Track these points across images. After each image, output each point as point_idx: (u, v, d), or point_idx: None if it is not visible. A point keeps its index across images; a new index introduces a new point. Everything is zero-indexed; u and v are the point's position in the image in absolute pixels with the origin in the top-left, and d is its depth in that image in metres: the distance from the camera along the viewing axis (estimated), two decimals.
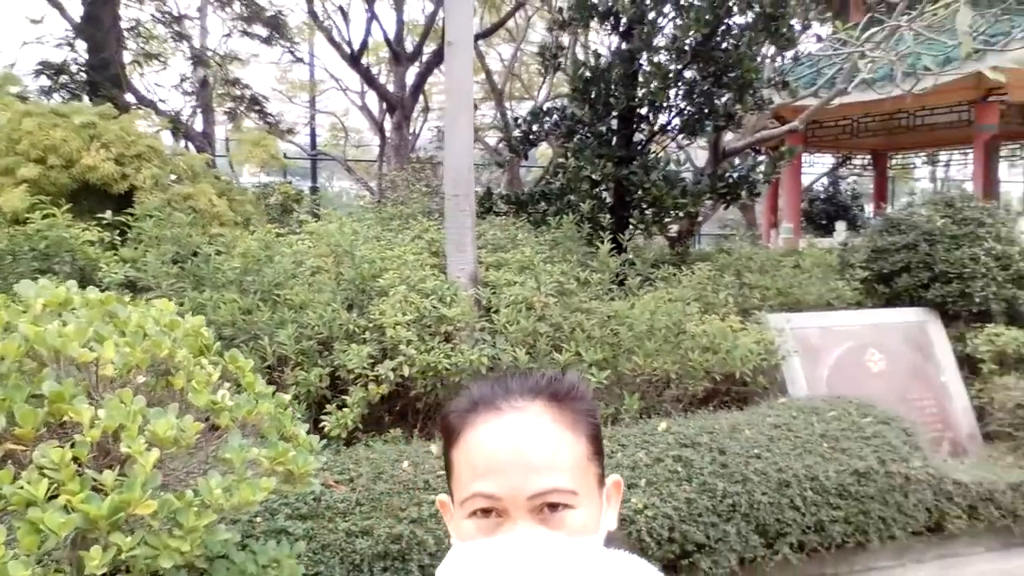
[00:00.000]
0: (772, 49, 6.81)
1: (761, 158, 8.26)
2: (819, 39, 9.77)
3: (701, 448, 3.91)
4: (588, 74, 6.59)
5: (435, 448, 3.79)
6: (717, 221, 17.52)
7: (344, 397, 3.99)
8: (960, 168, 23.83)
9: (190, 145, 11.52)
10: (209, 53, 12.44)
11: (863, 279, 6.19)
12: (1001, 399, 5.12)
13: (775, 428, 4.19)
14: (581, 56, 8.25)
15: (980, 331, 5.76)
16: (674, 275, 5.65)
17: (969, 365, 5.75)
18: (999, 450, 4.94)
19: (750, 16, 6.18)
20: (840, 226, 13.72)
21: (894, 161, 18.90)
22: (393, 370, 3.98)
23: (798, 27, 6.63)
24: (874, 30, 6.33)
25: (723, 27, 6.12)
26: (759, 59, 6.46)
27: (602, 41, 7.07)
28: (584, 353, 4.32)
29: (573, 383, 0.90)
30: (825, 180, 20.54)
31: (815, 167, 20.68)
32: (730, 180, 6.51)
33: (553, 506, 0.81)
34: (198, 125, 12.47)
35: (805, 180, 17.41)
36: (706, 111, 6.44)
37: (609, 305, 4.89)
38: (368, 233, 5.63)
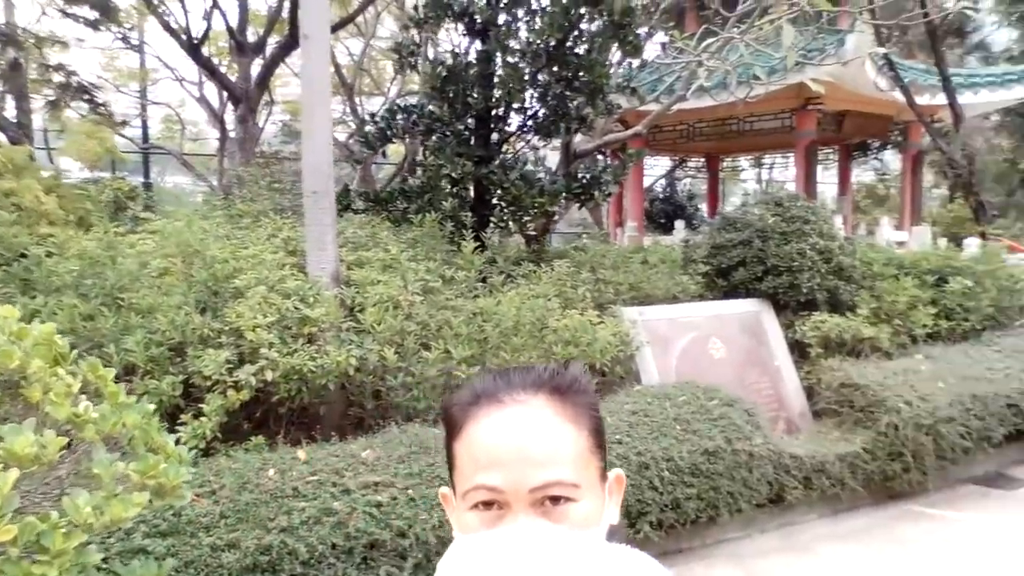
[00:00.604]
0: (619, 55, 7.12)
1: (609, 160, 8.64)
2: (663, 47, 10.34)
3: None
4: (445, 73, 6.61)
5: (302, 454, 3.68)
6: (566, 221, 18.14)
7: (200, 406, 3.77)
8: (782, 170, 26.11)
9: (1, 136, 10.40)
10: (20, 32, 11.27)
11: (704, 273, 6.64)
12: (827, 379, 5.67)
13: (633, 414, 4.42)
14: (434, 54, 8.25)
15: (807, 319, 6.34)
16: (534, 272, 5.79)
17: (799, 349, 6.32)
18: (827, 425, 5.47)
19: (600, 23, 6.44)
20: (679, 224, 14.59)
21: (725, 164, 20.39)
22: (254, 375, 3.81)
23: (644, 36, 6.98)
24: (710, 41, 6.80)
25: (575, 33, 6.35)
26: (609, 65, 6.76)
27: (455, 41, 7.08)
28: (453, 350, 4.34)
29: (575, 377, 0.90)
30: (663, 181, 21.76)
31: (655, 169, 21.91)
32: (584, 180, 6.77)
33: (555, 499, 0.82)
34: (9, 113, 11.27)
35: (646, 181, 18.36)
36: (560, 114, 6.65)
37: (475, 302, 4.94)
38: (218, 232, 5.34)
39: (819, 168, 16.79)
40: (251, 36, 12.54)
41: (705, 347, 5.98)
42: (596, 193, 6.79)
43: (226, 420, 3.84)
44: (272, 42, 12.70)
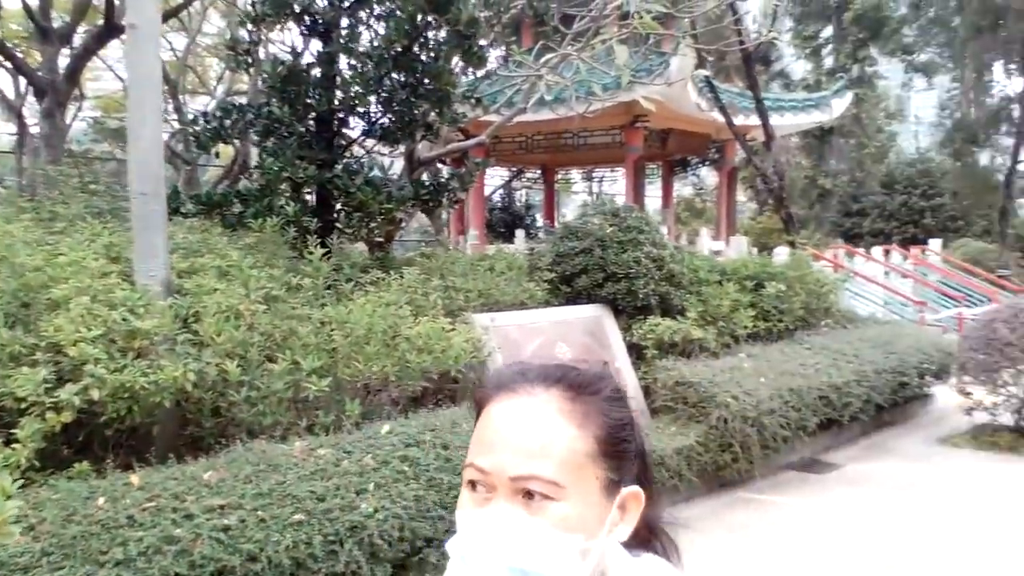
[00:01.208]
0: (463, 65, 7.18)
1: (452, 169, 8.68)
2: (504, 60, 10.54)
3: (425, 446, 4.00)
4: (286, 72, 6.35)
5: (135, 479, 3.36)
6: (403, 229, 17.95)
7: (11, 432, 3.34)
8: (611, 184, 27.48)
9: None
10: None
11: (549, 280, 6.83)
12: (663, 378, 6.01)
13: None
14: (267, 54, 7.91)
15: (643, 322, 6.69)
16: (383, 280, 5.68)
17: (636, 351, 6.66)
18: (663, 421, 5.79)
19: (445, 32, 6.46)
20: (520, 233, 14.94)
21: (560, 176, 21.14)
22: (78, 394, 3.44)
23: (487, 47, 7.08)
24: (549, 56, 7.03)
25: (422, 39, 6.32)
26: (455, 74, 6.79)
27: (293, 40, 6.83)
28: (302, 361, 4.15)
29: (592, 378, 0.89)
30: (501, 192, 22.19)
31: (493, 179, 22.29)
32: (432, 187, 6.74)
33: (531, 494, 0.81)
34: None
35: (485, 191, 18.64)
36: (406, 120, 6.59)
37: (323, 311, 4.76)
38: (27, 236, 4.78)
39: (645, 182, 17.79)
40: (56, 22, 11.37)
41: (552, 351, 6.13)
42: (444, 200, 6.78)
43: (43, 446, 3.43)
44: (82, 31, 11.61)
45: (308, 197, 6.72)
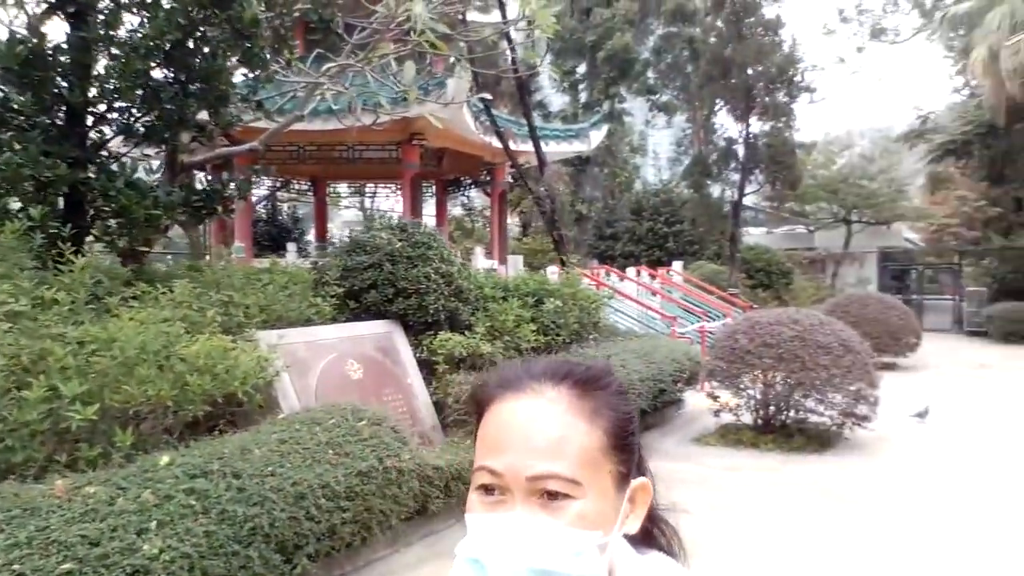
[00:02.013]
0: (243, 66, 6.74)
1: (213, 175, 8.10)
2: (286, 64, 10.09)
3: (214, 476, 3.64)
4: (28, 55, 5.51)
5: None
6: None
7: None
8: (383, 200, 27.29)
9: None
10: None
11: (336, 295, 6.59)
12: (457, 392, 6.05)
13: (283, 443, 4.16)
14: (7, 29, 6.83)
15: (433, 338, 6.70)
16: (148, 293, 5.11)
17: (427, 367, 6.64)
18: (459, 435, 5.82)
19: (225, 30, 6.02)
20: (291, 247, 14.31)
21: (331, 189, 20.55)
22: None
23: (266, 48, 6.71)
24: (330, 65, 6.84)
25: (199, 35, 5.83)
26: (232, 74, 6.34)
27: (33, 16, 5.97)
28: (62, 387, 3.59)
29: (599, 374, 0.89)
30: (265, 203, 21.12)
31: (259, 189, 21.14)
32: (206, 193, 6.21)
33: (552, 494, 0.80)
34: None
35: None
36: (175, 120, 6.02)
37: (82, 329, 4.17)
38: None
39: (422, 199, 17.90)
40: None
41: (343, 368, 5.92)
42: (219, 208, 6.28)
43: None
44: None
45: (56, 199, 5.86)
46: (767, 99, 18.29)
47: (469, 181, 18.89)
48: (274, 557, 3.64)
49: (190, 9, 5.68)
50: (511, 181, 16.92)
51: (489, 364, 6.76)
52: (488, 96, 8.65)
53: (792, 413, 7.69)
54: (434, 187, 18.46)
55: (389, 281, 6.64)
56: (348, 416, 4.70)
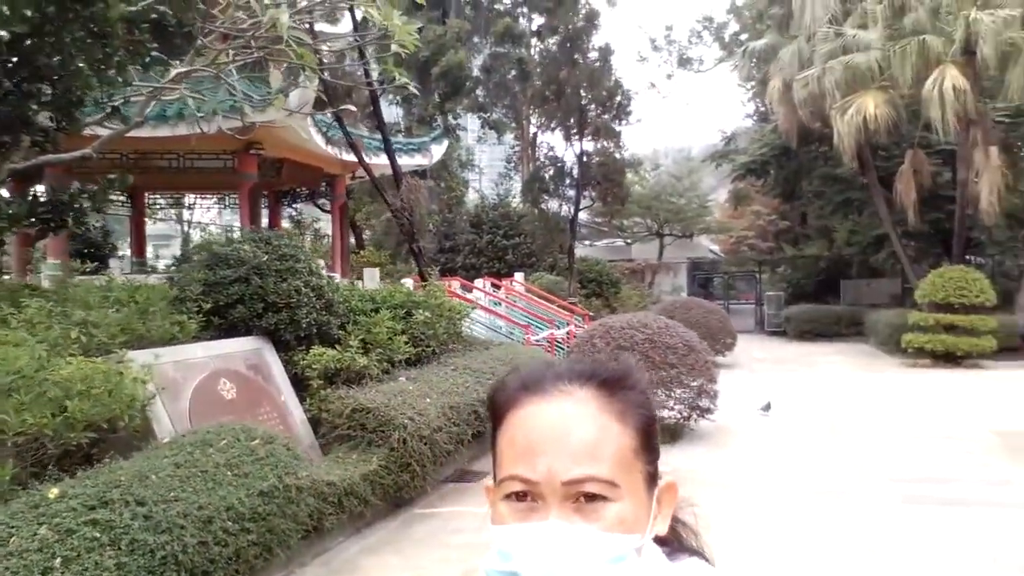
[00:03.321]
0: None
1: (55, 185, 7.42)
2: (145, 69, 9.41)
3: (116, 505, 3.41)
4: None
5: None
6: None
7: None
8: (205, 212, 25.74)
9: None
10: None
11: (199, 311, 6.27)
12: (338, 407, 5.97)
13: (178, 467, 3.97)
14: None
15: (305, 353, 6.55)
16: None
17: (299, 384, 6.48)
18: (343, 450, 5.74)
19: (80, 28, 5.56)
20: (114, 263, 13.19)
21: (149, 200, 19.11)
22: None
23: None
24: (180, 71, 6.52)
25: (50, 31, 5.34)
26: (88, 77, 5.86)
27: None
28: None
29: (626, 372, 0.85)
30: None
31: None
32: (55, 203, 5.68)
33: (590, 497, 0.77)
34: None
35: None
36: (19, 123, 5.48)
37: None
38: None
39: (262, 212, 17.19)
40: None
41: (216, 388, 5.66)
42: (70, 219, 5.77)
43: None
44: None
45: None
46: (599, 120, 19.46)
47: (306, 193, 18.40)
48: None
49: (42, 2, 5.22)
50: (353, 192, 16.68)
51: (362, 377, 6.72)
52: (352, 108, 8.58)
53: None
54: (267, 198, 17.78)
55: (258, 295, 6.42)
56: (240, 436, 4.54)
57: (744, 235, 31.26)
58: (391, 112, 28.03)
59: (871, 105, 15.35)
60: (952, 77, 13.84)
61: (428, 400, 6.38)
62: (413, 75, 26.18)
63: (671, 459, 7.30)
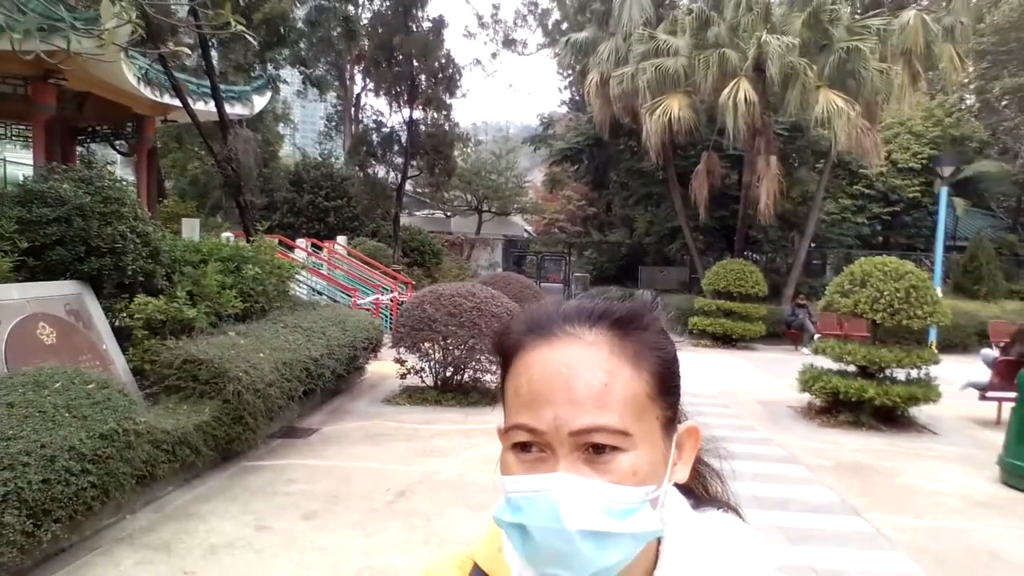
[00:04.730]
0: None
1: None
2: None
3: None
4: None
5: None
6: None
7: None
8: None
9: None
10: None
11: (18, 249, 5.83)
12: (168, 358, 5.83)
13: (13, 407, 3.82)
14: None
15: (129, 302, 6.30)
16: None
17: (119, 333, 6.22)
18: (174, 401, 5.63)
19: None
20: None
21: None
22: None
23: None
24: None
25: None
26: None
27: None
28: None
29: (640, 311, 0.79)
30: None
31: None
32: None
33: (600, 447, 0.72)
34: None
35: None
36: None
37: None
38: None
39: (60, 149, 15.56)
40: None
41: (35, 332, 5.35)
42: None
43: None
44: None
45: None
46: (431, 92, 19.60)
47: (108, 131, 16.93)
48: (27, 524, 3.41)
49: None
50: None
51: (190, 330, 6.58)
52: (186, 50, 8.14)
53: (469, 374, 8.80)
54: (59, 133, 16.11)
55: (80, 238, 6.07)
56: (74, 379, 4.40)
57: (556, 217, 32.98)
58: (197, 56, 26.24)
59: (676, 107, 16.88)
60: (745, 89, 15.59)
61: (261, 355, 6.41)
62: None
63: (491, 418, 7.87)
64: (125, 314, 6.31)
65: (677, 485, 0.79)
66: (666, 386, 0.78)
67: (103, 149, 21.90)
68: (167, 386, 5.78)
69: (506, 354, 0.79)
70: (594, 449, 0.72)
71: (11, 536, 3.27)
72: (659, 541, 0.78)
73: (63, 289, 5.93)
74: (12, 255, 5.68)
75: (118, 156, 21.13)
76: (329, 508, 5.03)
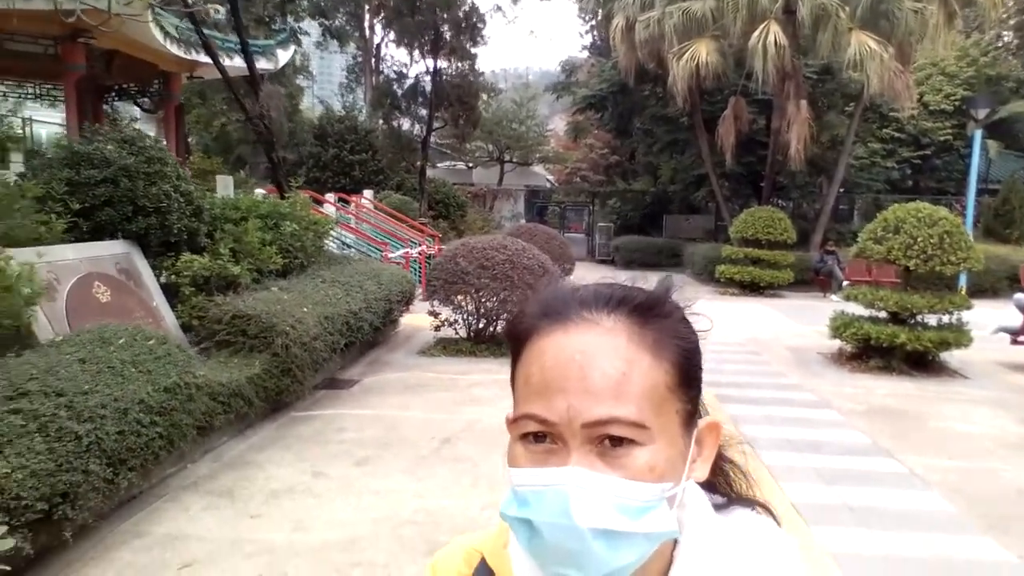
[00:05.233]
0: None
1: None
2: None
3: (36, 396, 3.49)
4: None
5: None
6: None
7: None
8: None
9: None
10: None
11: (65, 212, 6.01)
12: (217, 313, 6.04)
13: (85, 363, 4.03)
14: None
15: (175, 260, 6.49)
16: None
17: (167, 290, 6.44)
18: (224, 355, 5.86)
19: None
20: None
21: None
22: None
23: None
24: None
25: None
26: None
27: None
28: None
29: (661, 298, 0.76)
30: None
31: None
32: None
33: (616, 440, 0.68)
34: None
35: None
36: None
37: None
38: None
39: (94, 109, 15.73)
40: None
41: (90, 291, 5.56)
42: None
43: None
44: None
45: None
46: (454, 41, 19.41)
47: (136, 89, 17.03)
48: (107, 471, 3.65)
49: None
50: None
51: (234, 286, 6.78)
52: (218, 6, 8.17)
53: (502, 325, 8.97)
54: (89, 92, 16.25)
55: (128, 198, 6.24)
56: (136, 336, 4.61)
57: (578, 167, 32.73)
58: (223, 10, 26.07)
59: (704, 52, 16.60)
60: (775, 32, 15.27)
61: (305, 310, 6.60)
62: None
63: None
64: (172, 272, 6.51)
65: (698, 483, 0.76)
66: (687, 377, 0.74)
67: (126, 106, 22.09)
68: (217, 341, 6.00)
69: (518, 339, 0.74)
70: (609, 442, 0.68)
71: (95, 483, 3.51)
72: (675, 543, 0.73)
73: (113, 249, 6.13)
74: (65, 216, 5.87)
75: (139, 113, 21.29)
76: (379, 455, 5.27)
